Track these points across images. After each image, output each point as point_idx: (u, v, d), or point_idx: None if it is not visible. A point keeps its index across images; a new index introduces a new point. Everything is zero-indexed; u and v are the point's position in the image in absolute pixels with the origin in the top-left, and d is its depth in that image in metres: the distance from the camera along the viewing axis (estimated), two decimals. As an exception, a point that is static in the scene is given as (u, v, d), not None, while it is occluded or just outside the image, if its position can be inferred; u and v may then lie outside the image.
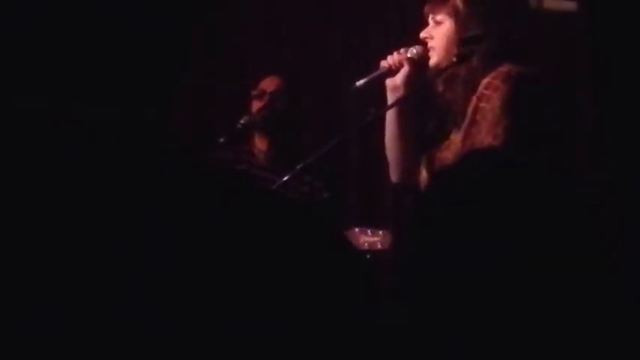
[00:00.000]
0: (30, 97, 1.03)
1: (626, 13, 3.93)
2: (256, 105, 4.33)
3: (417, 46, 3.45)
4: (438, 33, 3.41)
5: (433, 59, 3.41)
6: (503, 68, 3.29)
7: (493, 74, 3.29)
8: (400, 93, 3.43)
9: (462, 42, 3.44)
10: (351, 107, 5.15)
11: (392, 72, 3.43)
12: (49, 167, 1.00)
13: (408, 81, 3.42)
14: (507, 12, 3.43)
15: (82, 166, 1.01)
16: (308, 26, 5.58)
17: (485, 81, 3.29)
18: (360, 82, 3.44)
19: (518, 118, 3.23)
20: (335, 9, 5.56)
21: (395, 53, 3.44)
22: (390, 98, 3.46)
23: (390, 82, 3.44)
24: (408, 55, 3.43)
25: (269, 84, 4.36)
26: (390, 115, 3.47)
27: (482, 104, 3.28)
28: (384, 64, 3.46)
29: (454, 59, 3.45)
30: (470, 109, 3.31)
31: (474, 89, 3.31)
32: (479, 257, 1.28)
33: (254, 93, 4.35)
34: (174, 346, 0.96)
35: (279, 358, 0.99)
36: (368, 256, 3.79)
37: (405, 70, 3.41)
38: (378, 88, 4.97)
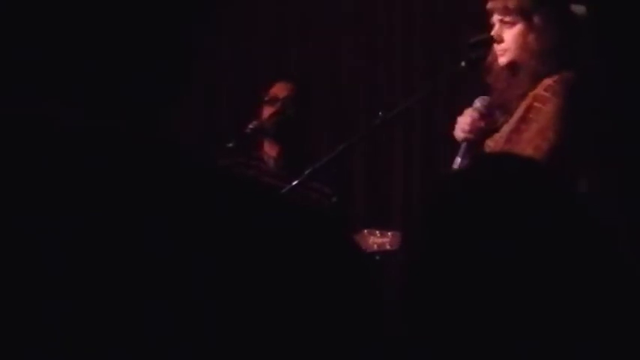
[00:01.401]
0: (31, 101, 1.02)
1: (634, 18, 3.93)
2: (267, 110, 4.28)
3: (479, 100, 3.42)
4: (510, 34, 3.39)
5: (503, 59, 3.40)
6: (567, 74, 3.31)
7: (556, 77, 3.31)
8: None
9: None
10: (359, 110, 5.17)
11: (473, 139, 3.38)
12: (52, 169, 0.99)
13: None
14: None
15: (85, 170, 1.00)
16: (315, 30, 5.57)
17: (546, 82, 3.31)
18: (457, 164, 3.35)
19: (570, 125, 3.26)
20: (342, 13, 5.55)
21: (463, 122, 3.39)
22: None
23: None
24: (478, 117, 3.38)
25: (281, 90, 4.31)
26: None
27: (537, 104, 3.29)
28: (462, 136, 3.39)
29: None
30: (523, 105, 3.33)
31: (534, 87, 3.33)
32: (486, 259, 1.28)
33: (266, 99, 4.31)
34: (176, 346, 0.96)
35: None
36: (377, 258, 3.79)
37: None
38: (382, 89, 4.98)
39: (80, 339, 0.94)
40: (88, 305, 0.95)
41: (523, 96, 3.33)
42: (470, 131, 3.38)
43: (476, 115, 3.39)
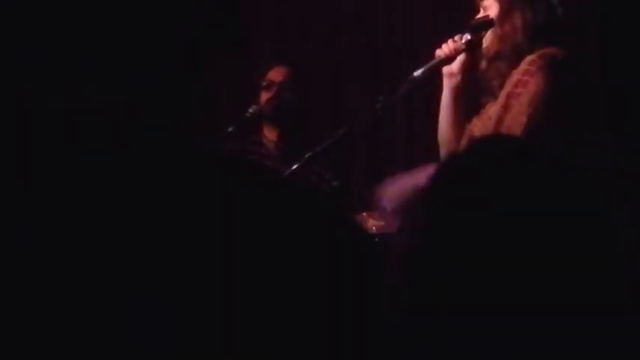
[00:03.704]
0: (39, 88, 1.02)
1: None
2: (265, 95, 4.33)
3: (469, 33, 3.51)
4: (492, 13, 3.46)
5: (485, 44, 3.49)
6: (550, 50, 3.34)
7: (539, 53, 3.34)
8: (457, 80, 3.52)
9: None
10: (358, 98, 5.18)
11: (448, 60, 3.51)
12: (54, 163, 0.99)
13: (464, 68, 3.51)
14: None
15: (88, 162, 0.99)
16: (315, 30, 5.59)
17: (529, 58, 3.35)
18: (417, 72, 3.50)
19: (555, 100, 3.29)
20: (342, 13, 5.57)
21: (450, 41, 3.51)
22: (447, 85, 3.56)
23: (446, 69, 3.53)
24: (463, 42, 3.49)
25: (277, 74, 4.37)
26: (445, 101, 3.57)
27: (524, 78, 3.33)
28: (439, 52, 3.53)
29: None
30: (509, 83, 3.37)
31: (517, 66, 3.37)
32: (483, 245, 1.26)
33: (262, 84, 4.35)
34: (183, 335, 0.95)
35: (293, 342, 0.98)
36: (376, 240, 3.79)
37: (461, 57, 3.49)
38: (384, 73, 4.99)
39: (80, 337, 0.93)
40: (91, 302, 0.94)
41: (506, 74, 3.39)
42: (449, 51, 3.51)
43: (461, 42, 3.50)
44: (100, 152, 0.99)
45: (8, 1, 1.02)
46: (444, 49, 3.52)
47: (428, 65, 3.52)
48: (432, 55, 3.58)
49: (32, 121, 0.99)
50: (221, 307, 0.96)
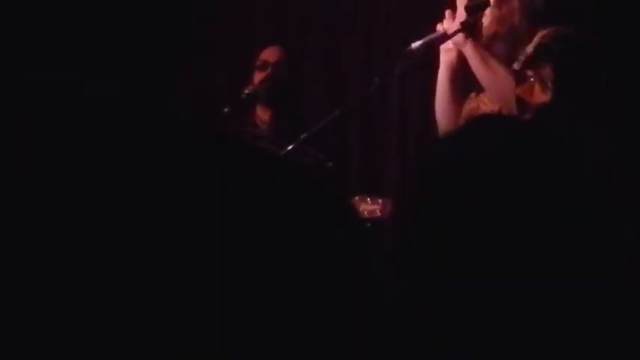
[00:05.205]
0: (41, 73, 1.03)
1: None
2: (259, 76, 4.33)
3: (466, 14, 3.52)
4: None
5: (485, 23, 3.53)
6: (555, 31, 3.39)
7: (545, 33, 3.39)
8: (453, 55, 3.55)
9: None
10: (353, 76, 5.19)
11: (447, 36, 3.53)
12: (53, 162, 0.99)
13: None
14: None
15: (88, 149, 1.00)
16: (315, 30, 5.60)
17: (537, 40, 3.40)
18: (415, 44, 3.53)
19: (570, 81, 3.36)
20: (342, 13, 5.58)
21: (450, 19, 3.53)
22: (443, 61, 3.59)
23: (444, 45, 3.55)
24: (463, 19, 3.51)
25: (271, 55, 4.37)
26: (442, 78, 3.60)
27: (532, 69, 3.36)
28: (439, 27, 3.56)
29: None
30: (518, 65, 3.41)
31: (523, 44, 3.43)
32: (481, 225, 1.26)
33: (257, 64, 4.35)
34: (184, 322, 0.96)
35: (284, 327, 0.99)
36: (368, 224, 3.78)
37: (460, 34, 3.50)
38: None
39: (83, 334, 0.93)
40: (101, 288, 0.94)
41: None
42: (448, 27, 3.53)
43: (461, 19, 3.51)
44: (99, 149, 0.99)
45: (9, 0, 1.03)
46: (445, 24, 3.54)
47: (426, 38, 3.54)
48: (432, 29, 3.60)
49: (31, 113, 1.00)
50: (220, 305, 0.96)
